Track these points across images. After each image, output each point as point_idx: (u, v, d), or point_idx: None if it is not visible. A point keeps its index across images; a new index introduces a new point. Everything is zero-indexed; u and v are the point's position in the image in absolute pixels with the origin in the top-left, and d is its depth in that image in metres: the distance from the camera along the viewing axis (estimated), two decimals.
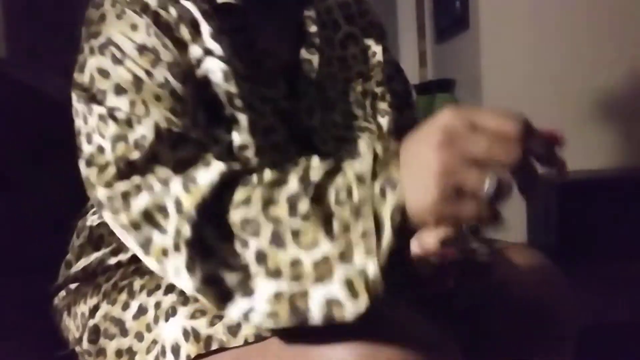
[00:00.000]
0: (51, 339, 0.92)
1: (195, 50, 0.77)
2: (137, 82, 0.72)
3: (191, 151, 0.68)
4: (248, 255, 0.62)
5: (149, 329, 0.77)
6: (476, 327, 0.85)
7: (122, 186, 0.68)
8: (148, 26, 0.75)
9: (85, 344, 0.83)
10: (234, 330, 0.70)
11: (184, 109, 0.72)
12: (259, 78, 0.81)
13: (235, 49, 0.80)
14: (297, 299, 0.61)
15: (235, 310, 0.64)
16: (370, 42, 0.97)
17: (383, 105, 0.94)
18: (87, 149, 0.73)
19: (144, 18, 0.75)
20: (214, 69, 0.77)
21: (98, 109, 0.72)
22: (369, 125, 0.91)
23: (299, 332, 0.66)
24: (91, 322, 0.82)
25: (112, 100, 0.72)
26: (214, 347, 0.71)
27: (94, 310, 0.83)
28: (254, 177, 0.66)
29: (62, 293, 0.92)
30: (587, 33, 2.33)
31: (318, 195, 0.62)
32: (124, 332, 0.79)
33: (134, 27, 0.75)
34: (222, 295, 0.64)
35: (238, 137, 0.77)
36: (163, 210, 0.66)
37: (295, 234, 0.61)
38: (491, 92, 2.41)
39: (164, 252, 0.66)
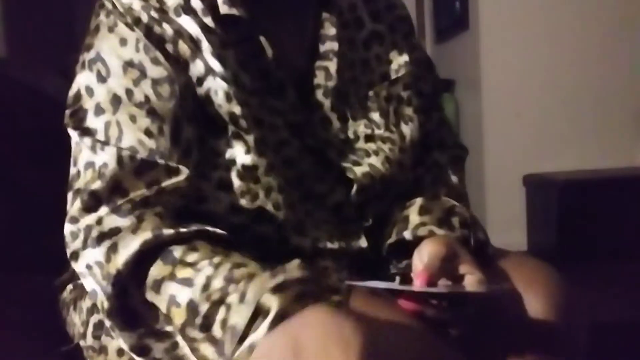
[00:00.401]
0: (53, 336, 0.92)
1: (197, 67, 0.75)
2: (116, 101, 0.73)
3: (166, 189, 0.70)
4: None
5: None
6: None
7: (87, 220, 0.70)
8: (138, 41, 0.74)
9: (89, 339, 0.83)
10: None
11: (160, 129, 0.72)
12: (269, 89, 0.79)
13: (241, 61, 0.78)
14: None
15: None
16: (397, 38, 0.90)
17: (408, 111, 0.89)
18: (72, 171, 0.75)
19: (135, 32, 0.74)
20: (216, 88, 0.75)
21: (73, 134, 0.74)
22: (390, 135, 0.86)
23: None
24: (95, 318, 0.82)
25: (90, 121, 0.73)
26: None
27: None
28: (173, 253, 0.68)
29: (70, 287, 0.91)
30: (588, 33, 2.33)
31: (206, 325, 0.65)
32: None
33: (123, 41, 0.74)
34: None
35: (246, 158, 0.75)
36: (97, 268, 0.69)
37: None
38: (491, 92, 2.41)
39: (102, 308, 0.69)
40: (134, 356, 0.69)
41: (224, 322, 0.63)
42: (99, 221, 0.69)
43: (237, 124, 0.75)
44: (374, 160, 0.84)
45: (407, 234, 0.82)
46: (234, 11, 0.77)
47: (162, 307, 0.66)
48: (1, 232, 1.10)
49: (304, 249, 0.79)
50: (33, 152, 1.15)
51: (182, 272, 0.67)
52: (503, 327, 0.81)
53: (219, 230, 0.71)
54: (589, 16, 2.33)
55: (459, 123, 2.76)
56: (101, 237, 0.69)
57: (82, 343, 0.86)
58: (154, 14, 0.75)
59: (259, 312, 0.61)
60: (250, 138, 0.75)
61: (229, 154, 0.75)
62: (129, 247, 0.67)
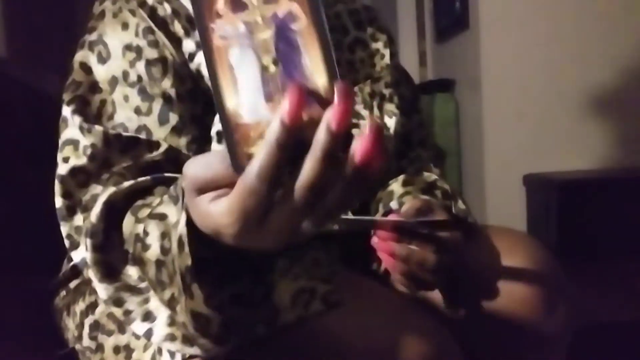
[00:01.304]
0: (50, 338, 0.92)
1: (188, 45, 0.80)
2: (114, 82, 0.77)
3: (146, 159, 0.74)
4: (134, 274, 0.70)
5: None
6: (469, 325, 0.85)
7: (81, 194, 0.75)
8: (138, 25, 0.79)
9: (85, 341, 0.84)
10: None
11: (149, 107, 0.77)
12: None
13: None
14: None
15: (137, 329, 0.70)
16: (378, 45, 0.98)
17: (390, 107, 0.95)
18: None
19: (136, 17, 0.79)
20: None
21: (65, 109, 0.78)
22: None
23: (300, 336, 0.67)
24: (91, 319, 0.83)
25: (85, 97, 0.78)
26: None
27: (92, 306, 0.83)
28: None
29: (63, 293, 0.92)
30: (588, 33, 2.33)
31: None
32: (121, 329, 0.80)
33: (125, 25, 0.79)
34: (123, 314, 0.71)
35: None
36: (79, 231, 0.74)
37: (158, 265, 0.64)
38: (491, 92, 2.41)
39: (86, 264, 0.72)
40: (111, 307, 0.71)
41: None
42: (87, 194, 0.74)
43: None
44: None
45: (394, 204, 0.86)
46: None
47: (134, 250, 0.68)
48: (1, 231, 1.10)
49: None
50: (32, 152, 1.15)
51: (142, 212, 0.68)
52: (481, 289, 0.84)
53: (177, 175, 0.72)
54: (589, 16, 2.33)
55: (459, 123, 2.76)
56: (86, 204, 0.74)
57: (77, 347, 0.86)
58: None
59: None
60: None
61: (215, 128, 0.79)
62: (98, 202, 0.71)
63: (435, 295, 0.84)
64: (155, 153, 0.76)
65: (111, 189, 0.71)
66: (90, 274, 0.72)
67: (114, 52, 0.78)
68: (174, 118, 0.78)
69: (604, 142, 2.37)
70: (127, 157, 0.75)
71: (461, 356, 0.71)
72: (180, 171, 0.75)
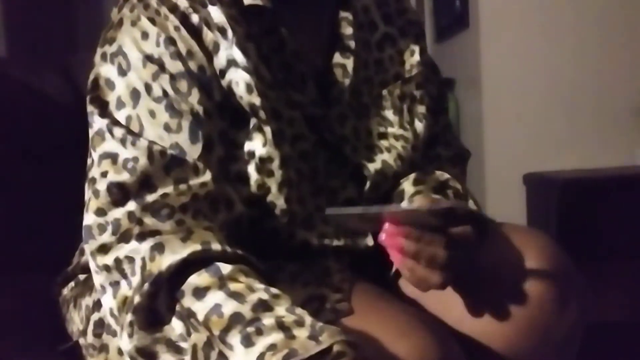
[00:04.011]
0: (51, 336, 0.92)
1: (220, 59, 0.75)
2: (135, 95, 0.73)
3: (192, 188, 0.70)
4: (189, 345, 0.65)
5: None
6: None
7: (116, 213, 0.69)
8: (159, 35, 0.74)
9: (89, 337, 0.83)
10: None
11: (179, 124, 0.72)
12: (289, 82, 0.79)
13: (264, 53, 0.78)
14: None
15: None
16: (408, 41, 0.92)
17: (421, 109, 0.90)
18: (88, 161, 0.74)
19: (157, 26, 0.74)
20: (237, 79, 0.75)
21: (99, 122, 0.73)
22: (404, 133, 0.87)
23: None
24: (96, 315, 0.82)
25: (113, 114, 0.73)
26: None
27: (99, 303, 0.83)
28: (220, 269, 0.66)
29: (72, 284, 0.91)
30: (588, 32, 2.33)
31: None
32: None
33: (144, 35, 0.74)
34: None
35: (262, 149, 0.75)
36: (132, 262, 0.67)
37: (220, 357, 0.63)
38: (491, 92, 2.41)
39: (124, 301, 0.68)
40: (137, 357, 0.67)
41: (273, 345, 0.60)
42: (132, 217, 0.69)
43: (257, 116, 0.75)
44: (387, 156, 0.85)
45: (404, 204, 0.83)
46: (258, 1, 0.77)
47: (200, 314, 0.64)
48: (1, 231, 1.10)
49: (310, 244, 0.79)
50: (33, 152, 1.15)
51: (234, 286, 0.65)
52: (495, 286, 0.81)
53: (258, 262, 0.70)
54: (589, 16, 2.33)
55: (459, 123, 2.76)
56: (142, 235, 0.68)
57: (81, 341, 0.86)
58: (187, 2, 0.75)
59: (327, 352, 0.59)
60: (267, 130, 0.75)
61: (248, 146, 0.76)
62: (177, 253, 0.66)
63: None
64: (202, 179, 0.71)
65: (196, 247, 0.67)
66: (125, 318, 0.67)
67: (133, 63, 0.74)
68: (203, 136, 0.73)
69: (604, 142, 2.36)
70: (170, 179, 0.70)
71: None
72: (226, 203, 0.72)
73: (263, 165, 0.75)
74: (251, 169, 0.76)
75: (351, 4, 0.86)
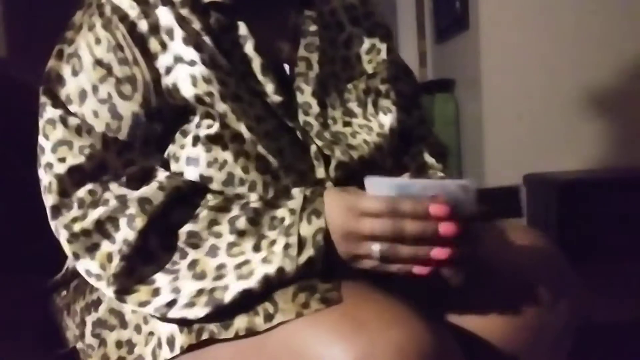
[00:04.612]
0: (49, 338, 0.92)
1: (165, 59, 0.80)
2: (83, 95, 0.79)
3: (139, 164, 0.78)
4: (182, 264, 0.74)
5: (146, 321, 0.78)
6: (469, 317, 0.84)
7: (78, 193, 0.77)
8: (109, 41, 0.80)
9: (88, 339, 0.84)
10: (225, 323, 0.72)
11: (119, 126, 0.79)
12: (250, 73, 0.83)
13: (224, 47, 0.82)
14: (217, 292, 0.72)
15: (159, 302, 0.74)
16: (375, 41, 0.97)
17: (387, 103, 0.94)
18: (38, 149, 0.81)
19: (107, 32, 0.80)
20: (183, 74, 0.80)
21: (51, 111, 0.80)
22: (368, 123, 0.91)
23: (296, 330, 0.67)
24: (94, 316, 0.83)
25: (65, 106, 0.80)
26: (205, 337, 0.73)
27: (95, 304, 0.83)
28: (201, 199, 0.77)
29: (63, 292, 0.92)
30: (588, 32, 2.33)
31: (255, 219, 0.74)
32: (123, 324, 0.80)
33: (97, 40, 0.80)
34: (151, 292, 0.74)
35: (210, 130, 0.79)
36: (115, 222, 0.75)
37: (230, 246, 0.74)
38: (491, 92, 2.41)
39: (109, 257, 0.75)
40: (140, 286, 0.75)
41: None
42: (93, 193, 0.76)
43: (203, 103, 0.79)
44: (352, 140, 0.88)
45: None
46: None
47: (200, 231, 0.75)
48: (1, 231, 1.10)
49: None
50: (32, 152, 1.15)
51: (216, 202, 0.77)
52: (490, 281, 0.83)
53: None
54: (590, 16, 2.33)
55: (459, 123, 2.76)
56: (118, 198, 0.76)
57: (79, 345, 0.86)
58: (138, 9, 0.81)
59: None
60: (221, 109, 0.79)
61: (195, 132, 0.80)
62: (160, 194, 0.75)
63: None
64: (148, 161, 0.79)
65: (172, 181, 0.76)
66: (112, 269, 0.74)
67: (85, 65, 0.80)
68: (140, 137, 0.80)
69: (604, 142, 2.37)
70: (122, 161, 0.78)
71: (461, 354, 0.71)
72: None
73: (212, 143, 0.80)
74: (200, 150, 0.80)
75: (315, 4, 0.92)
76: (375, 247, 0.70)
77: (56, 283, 0.94)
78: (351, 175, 0.85)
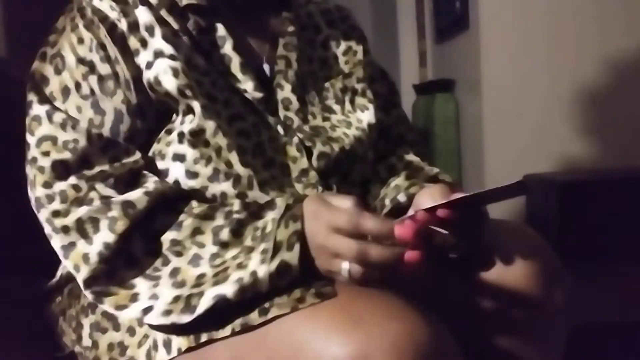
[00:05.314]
0: (47, 340, 0.92)
1: (146, 55, 0.82)
2: (66, 92, 0.81)
3: (123, 160, 0.79)
4: (164, 270, 0.74)
5: (140, 323, 0.78)
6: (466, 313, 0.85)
7: (61, 186, 0.77)
8: (92, 40, 0.82)
9: (86, 341, 0.84)
10: (220, 322, 0.72)
11: (102, 121, 0.80)
12: (229, 72, 0.85)
13: (203, 47, 0.84)
14: (193, 298, 0.72)
15: (136, 308, 0.74)
16: (351, 43, 1.00)
17: (363, 101, 0.96)
18: (26, 146, 0.82)
19: (90, 32, 0.82)
20: (164, 68, 0.81)
21: (37, 108, 0.81)
22: (346, 119, 0.93)
23: (293, 326, 0.68)
24: (92, 318, 0.84)
25: (51, 102, 0.81)
26: (203, 339, 0.72)
27: (92, 306, 0.84)
28: (186, 206, 0.77)
29: (58, 298, 0.93)
30: (588, 33, 2.34)
31: (238, 230, 0.75)
32: (116, 327, 0.80)
33: (80, 40, 0.82)
34: (130, 297, 0.74)
35: (192, 125, 0.81)
36: (95, 223, 0.75)
37: (212, 257, 0.74)
38: (491, 93, 2.41)
39: (85, 258, 0.75)
40: (120, 290, 0.75)
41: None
42: (77, 188, 0.77)
43: (185, 96, 0.81)
44: (331, 133, 0.90)
45: (401, 197, 0.88)
46: (193, 0, 0.85)
47: (183, 239, 0.75)
48: (1, 231, 1.10)
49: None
50: None
51: (199, 210, 0.77)
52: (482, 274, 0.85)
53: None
54: (589, 16, 2.33)
55: (459, 123, 2.76)
56: (102, 198, 0.76)
57: (76, 349, 0.87)
58: (118, 9, 0.83)
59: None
60: (196, 105, 0.81)
61: (179, 128, 0.81)
62: (144, 199, 0.75)
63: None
64: (134, 157, 0.80)
65: (158, 186, 0.77)
66: (85, 271, 0.74)
67: (68, 64, 0.82)
68: (123, 132, 0.81)
69: (604, 142, 2.37)
70: (106, 157, 0.79)
71: (458, 348, 0.72)
72: (158, 175, 0.80)
73: (195, 138, 0.81)
74: (186, 146, 0.81)
75: (292, 6, 0.95)
76: (345, 266, 0.70)
77: (51, 289, 0.94)
78: (334, 166, 0.87)
